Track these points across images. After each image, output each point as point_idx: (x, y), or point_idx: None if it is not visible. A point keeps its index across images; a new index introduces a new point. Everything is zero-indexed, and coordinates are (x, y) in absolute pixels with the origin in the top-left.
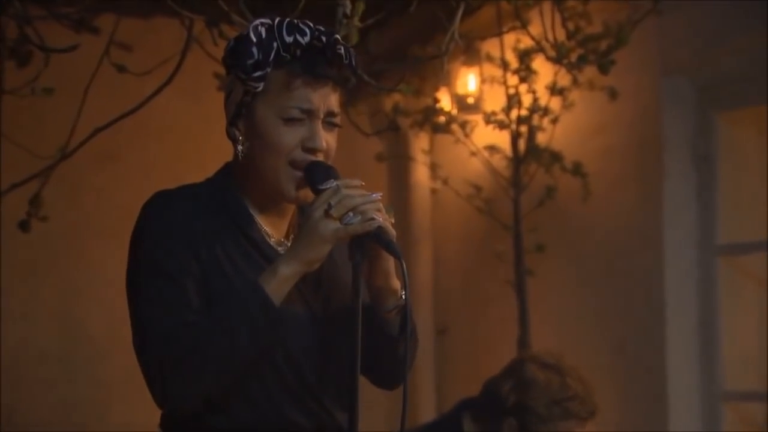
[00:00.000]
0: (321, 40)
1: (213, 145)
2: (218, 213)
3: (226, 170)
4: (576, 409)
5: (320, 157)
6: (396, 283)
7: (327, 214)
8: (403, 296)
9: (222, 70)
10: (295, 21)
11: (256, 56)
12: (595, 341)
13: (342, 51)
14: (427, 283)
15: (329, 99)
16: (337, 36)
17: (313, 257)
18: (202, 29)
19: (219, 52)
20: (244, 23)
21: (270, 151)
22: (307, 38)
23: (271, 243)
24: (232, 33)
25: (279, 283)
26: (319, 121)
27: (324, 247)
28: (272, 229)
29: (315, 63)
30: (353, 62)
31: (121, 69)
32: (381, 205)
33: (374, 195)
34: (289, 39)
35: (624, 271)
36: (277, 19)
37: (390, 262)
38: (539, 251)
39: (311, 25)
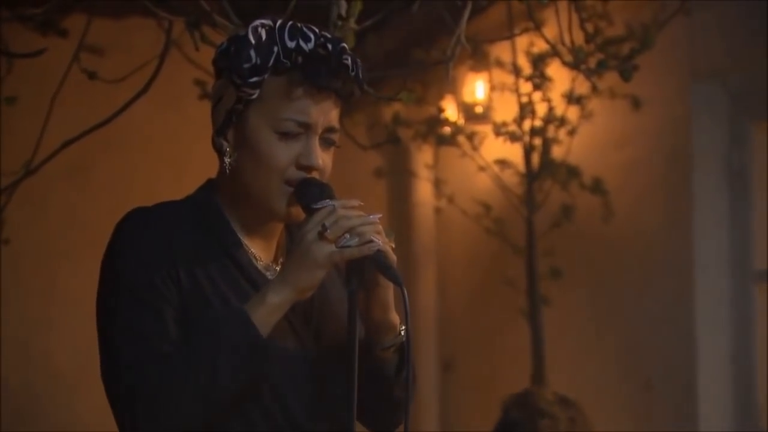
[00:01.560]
0: (326, 48)
1: (194, 158)
2: (200, 233)
3: (209, 186)
4: None
5: (315, 176)
6: (395, 318)
7: (322, 236)
8: (403, 332)
9: (204, 77)
10: (299, 24)
11: (253, 60)
12: (617, 378)
13: (349, 62)
14: (431, 312)
15: (330, 114)
16: (345, 45)
17: (306, 284)
18: (182, 32)
19: (200, 57)
20: (229, 26)
21: (261, 167)
22: (311, 44)
23: (259, 267)
24: (215, 36)
25: (267, 313)
26: (316, 136)
27: (317, 272)
28: (260, 252)
29: (318, 73)
30: (360, 75)
31: (92, 75)
32: (380, 227)
33: (373, 216)
34: (291, 44)
35: (650, 300)
36: (279, 21)
37: (389, 292)
38: (555, 277)
39: (316, 30)
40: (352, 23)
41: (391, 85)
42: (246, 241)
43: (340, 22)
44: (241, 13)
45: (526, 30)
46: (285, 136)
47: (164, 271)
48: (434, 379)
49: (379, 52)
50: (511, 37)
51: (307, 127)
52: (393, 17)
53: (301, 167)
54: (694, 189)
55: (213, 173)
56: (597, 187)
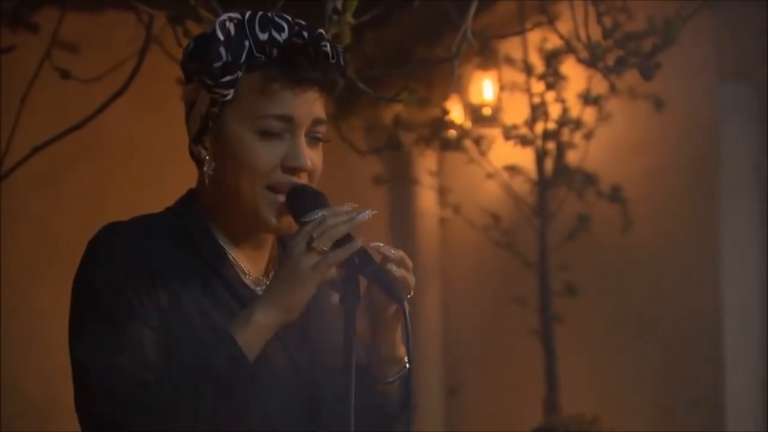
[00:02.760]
0: (302, 37)
1: (177, 165)
2: (181, 248)
3: (191, 197)
4: None
5: (304, 179)
6: (402, 352)
7: (309, 247)
8: (407, 362)
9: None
10: (270, 14)
11: (224, 58)
12: (639, 404)
13: (328, 49)
14: (435, 332)
15: (313, 106)
16: (321, 31)
17: (294, 301)
18: (163, 26)
19: None
20: (215, 20)
21: (243, 173)
22: (285, 35)
23: (247, 282)
24: (199, 31)
25: (254, 334)
26: (302, 134)
27: (306, 288)
28: (248, 265)
29: (296, 64)
30: (342, 61)
31: (65, 74)
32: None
33: (363, 214)
34: (263, 36)
35: (673, 318)
36: (248, 13)
37: (398, 327)
38: (570, 293)
39: (289, 19)
40: (348, 18)
41: (392, 85)
42: (233, 255)
43: (336, 17)
44: (227, 6)
45: (538, 24)
46: (267, 135)
47: (142, 291)
48: (439, 405)
49: (378, 50)
50: (522, 32)
51: (290, 122)
52: (393, 11)
53: (287, 169)
54: (722, 197)
55: (196, 180)
56: (616, 195)
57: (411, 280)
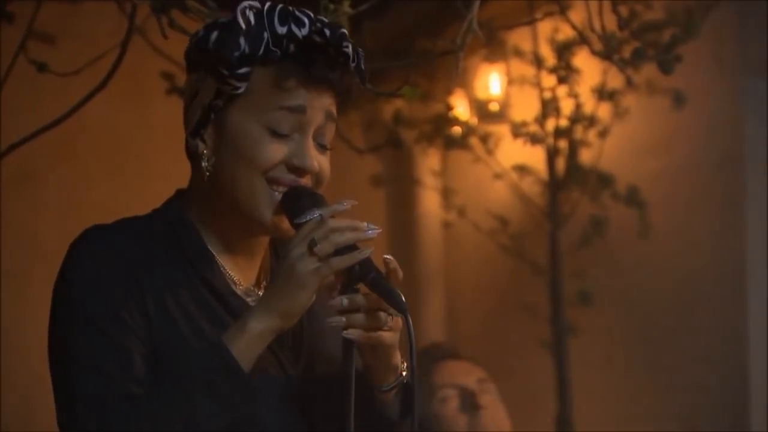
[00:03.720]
0: (323, 35)
1: (161, 164)
2: (169, 254)
3: (180, 199)
4: None
5: (307, 182)
6: (398, 357)
7: (310, 251)
8: (406, 372)
9: (173, 69)
10: (291, 8)
11: (242, 48)
12: (657, 422)
13: (349, 50)
14: (438, 340)
15: (326, 109)
16: (345, 31)
17: (291, 308)
18: (147, 17)
19: (168, 46)
20: (203, 10)
21: (244, 165)
22: (305, 30)
23: (238, 292)
24: (186, 22)
25: (248, 343)
26: (310, 133)
27: (303, 293)
28: (239, 274)
29: (313, 62)
30: (362, 66)
31: (41, 67)
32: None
33: (370, 230)
34: (282, 29)
35: (695, 330)
36: (267, 4)
37: (396, 333)
38: (584, 303)
39: (311, 14)
40: (345, 7)
41: (392, 78)
42: (223, 262)
43: (332, 6)
44: None
45: (549, 14)
46: (275, 132)
47: (129, 300)
48: None
49: (377, 41)
50: (531, 22)
51: (302, 114)
52: (394, 1)
53: (292, 169)
54: (747, 200)
55: (184, 181)
56: (633, 197)
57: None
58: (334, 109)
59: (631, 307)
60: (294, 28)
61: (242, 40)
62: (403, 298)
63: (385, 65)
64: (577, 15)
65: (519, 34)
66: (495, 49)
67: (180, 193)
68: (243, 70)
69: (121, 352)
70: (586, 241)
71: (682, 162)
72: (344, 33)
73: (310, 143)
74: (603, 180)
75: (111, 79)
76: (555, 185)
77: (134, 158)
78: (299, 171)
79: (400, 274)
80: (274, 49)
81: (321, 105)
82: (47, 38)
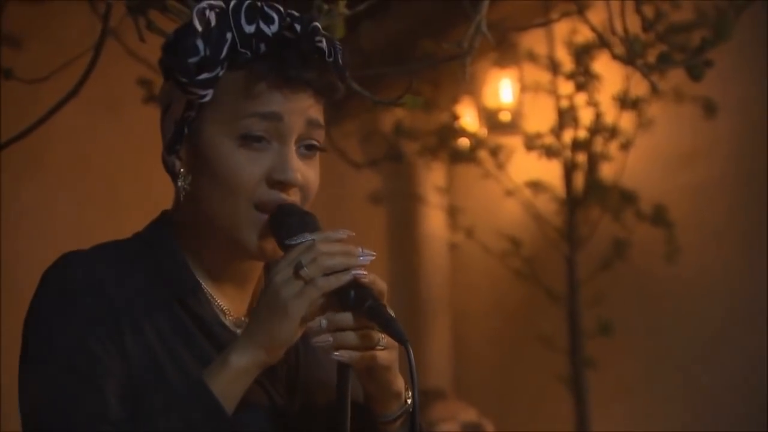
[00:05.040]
0: (294, 30)
1: (139, 182)
2: (152, 282)
3: (163, 221)
4: None
5: (294, 197)
6: (400, 382)
7: (297, 275)
8: (410, 401)
9: (150, 75)
10: (259, 3)
11: (201, 52)
12: None
13: (323, 45)
14: (445, 376)
15: (307, 112)
16: (317, 24)
17: (276, 339)
18: (123, 18)
19: (146, 50)
20: (184, 10)
21: (223, 188)
22: (274, 27)
23: (227, 323)
24: (166, 23)
25: (231, 380)
26: (291, 141)
27: (288, 322)
28: (229, 303)
29: (287, 62)
30: (340, 60)
31: (7, 73)
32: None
33: (364, 256)
34: (249, 28)
35: (724, 362)
36: (233, 1)
37: (393, 351)
38: (605, 333)
39: (281, 9)
40: (341, 7)
41: (392, 85)
42: (211, 290)
43: (326, 6)
44: None
45: (566, 14)
46: (249, 142)
47: (105, 334)
48: None
49: (377, 44)
50: (547, 23)
51: (278, 121)
52: (394, 1)
53: (273, 184)
54: None
55: (161, 199)
56: (659, 216)
57: (380, 282)
58: (317, 113)
59: (656, 338)
60: (263, 26)
61: (200, 44)
62: (403, 328)
63: (384, 71)
64: (596, 15)
65: (533, 36)
66: (506, 52)
67: (165, 215)
68: (203, 77)
69: (95, 391)
70: (606, 265)
71: (713, 177)
72: (316, 27)
73: (292, 153)
74: (626, 197)
75: (83, 86)
76: (573, 203)
77: (108, 173)
78: (281, 185)
79: (381, 285)
80: (242, 50)
81: (299, 109)
82: (13, 41)
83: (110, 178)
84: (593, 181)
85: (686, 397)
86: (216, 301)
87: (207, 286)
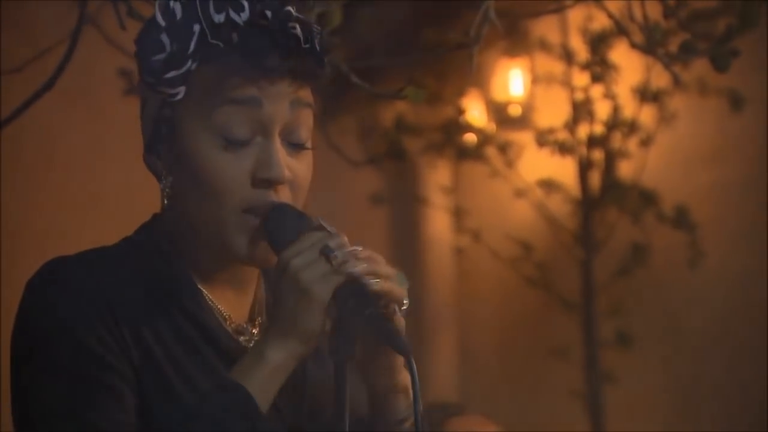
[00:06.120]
0: (265, 17)
1: (117, 178)
2: (146, 290)
3: (155, 224)
4: None
5: (284, 195)
6: (406, 379)
7: (325, 257)
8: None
9: (132, 65)
10: None
11: (167, 47)
12: None
13: (298, 31)
14: (450, 390)
15: (289, 96)
16: (289, 9)
17: (309, 325)
18: (102, 4)
19: (127, 39)
20: None
21: (206, 190)
22: (245, 15)
23: (229, 330)
24: (148, 10)
25: (268, 378)
26: (275, 134)
27: (316, 306)
28: (229, 309)
29: (261, 51)
30: (317, 46)
31: None
32: (390, 269)
33: (404, 280)
34: (218, 18)
35: (751, 375)
36: None
37: (394, 357)
38: (623, 345)
39: None
40: None
41: (394, 77)
42: (211, 296)
43: None
44: None
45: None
46: (231, 139)
47: (112, 342)
48: None
49: (376, 33)
50: (560, 9)
51: (257, 108)
52: None
53: (258, 182)
54: None
55: (143, 197)
56: (681, 218)
57: (398, 290)
58: (303, 95)
59: (678, 349)
60: (233, 15)
61: (165, 39)
62: (405, 339)
63: (385, 61)
64: (614, 1)
65: (545, 23)
66: (516, 41)
67: (156, 218)
68: (171, 75)
69: (117, 402)
70: (625, 271)
71: (740, 176)
72: (289, 11)
73: (277, 146)
74: (645, 198)
75: (59, 77)
76: (588, 204)
77: (87, 172)
78: (268, 183)
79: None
80: (213, 42)
81: (281, 95)
82: None
83: (90, 177)
84: (610, 181)
85: (712, 413)
86: (217, 307)
87: (207, 293)
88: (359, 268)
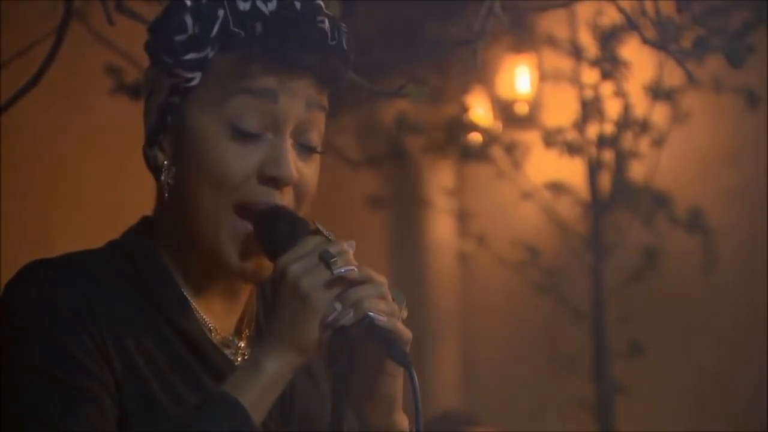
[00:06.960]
0: (294, 9)
1: (103, 179)
2: (131, 296)
3: (144, 227)
4: None
5: (288, 197)
6: (403, 420)
7: (325, 264)
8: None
9: (119, 62)
10: None
11: (190, 29)
12: None
13: (326, 26)
14: (454, 401)
15: (306, 95)
16: (320, 2)
17: (306, 335)
18: None
19: (115, 34)
20: None
21: (206, 183)
22: (272, 5)
23: (216, 342)
24: (137, 5)
25: (263, 389)
26: (287, 133)
27: (313, 316)
28: (216, 320)
29: (284, 44)
30: (344, 44)
31: None
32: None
33: (400, 297)
34: (244, 5)
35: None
36: None
37: (397, 383)
38: (635, 354)
39: None
40: None
41: (394, 74)
42: (198, 307)
43: None
44: None
45: None
46: (241, 131)
47: (92, 347)
48: None
49: (376, 28)
50: (568, 3)
51: (271, 102)
52: None
53: (265, 179)
54: None
55: (131, 199)
56: (695, 221)
57: (406, 332)
58: (320, 98)
59: (691, 359)
60: (259, 3)
61: (189, 20)
62: (405, 348)
63: (385, 58)
64: None
65: (553, 17)
66: (523, 36)
67: (145, 220)
68: (190, 56)
69: (98, 410)
70: (636, 276)
71: (756, 178)
72: (319, 5)
73: (287, 144)
74: (658, 200)
75: (44, 74)
76: (598, 207)
77: (71, 171)
78: (275, 182)
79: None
80: (235, 30)
81: (298, 92)
82: None
83: (75, 178)
84: (621, 182)
85: (723, 420)
86: (203, 318)
87: (193, 301)
88: (366, 305)
